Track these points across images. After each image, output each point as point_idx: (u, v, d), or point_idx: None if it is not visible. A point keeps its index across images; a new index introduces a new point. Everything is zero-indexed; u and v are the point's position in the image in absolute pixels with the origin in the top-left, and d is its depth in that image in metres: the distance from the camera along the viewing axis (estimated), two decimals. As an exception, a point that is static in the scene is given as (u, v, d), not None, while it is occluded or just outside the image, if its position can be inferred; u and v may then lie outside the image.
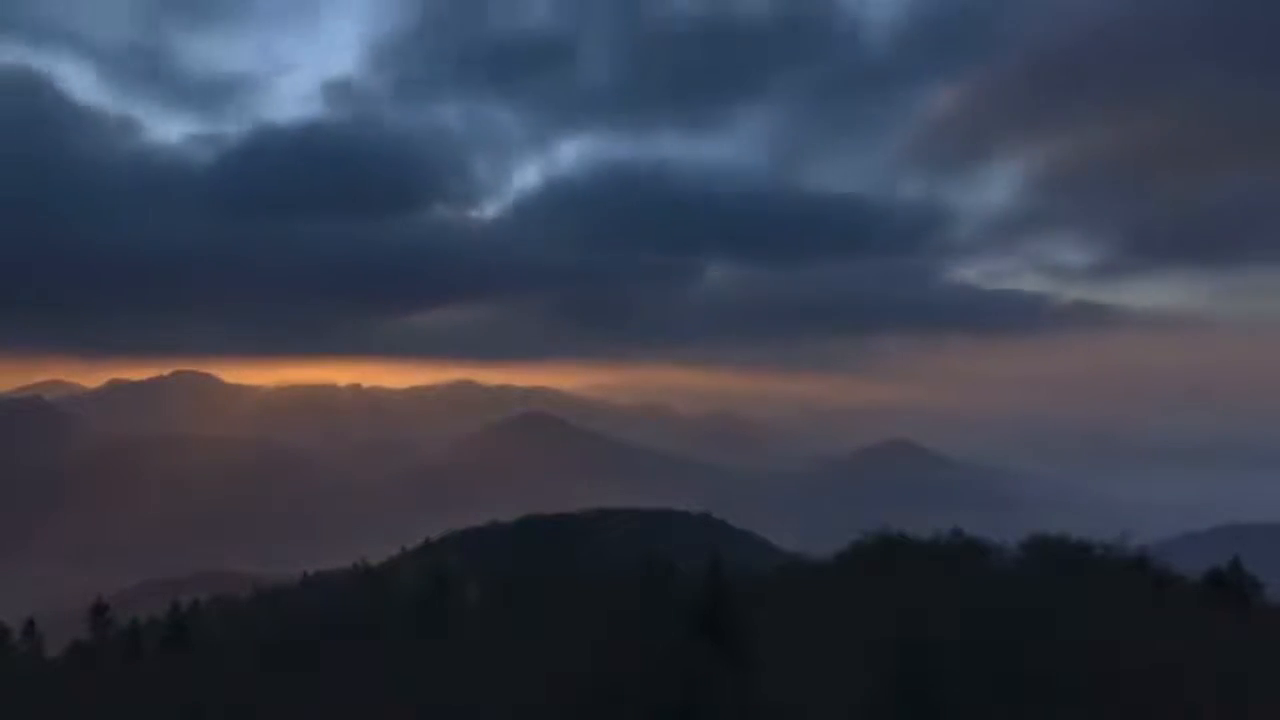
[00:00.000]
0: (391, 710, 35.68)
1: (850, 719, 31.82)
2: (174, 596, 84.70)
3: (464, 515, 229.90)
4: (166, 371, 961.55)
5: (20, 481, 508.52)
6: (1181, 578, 59.33)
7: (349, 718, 35.55)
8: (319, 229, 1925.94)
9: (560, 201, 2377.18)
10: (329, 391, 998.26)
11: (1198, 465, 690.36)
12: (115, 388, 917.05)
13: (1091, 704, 29.98)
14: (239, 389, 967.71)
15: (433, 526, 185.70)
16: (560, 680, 35.63)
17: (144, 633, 70.89)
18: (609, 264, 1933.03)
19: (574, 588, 60.40)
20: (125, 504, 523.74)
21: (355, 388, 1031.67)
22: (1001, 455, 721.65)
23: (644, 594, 50.46)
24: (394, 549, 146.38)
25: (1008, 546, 63.40)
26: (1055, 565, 54.79)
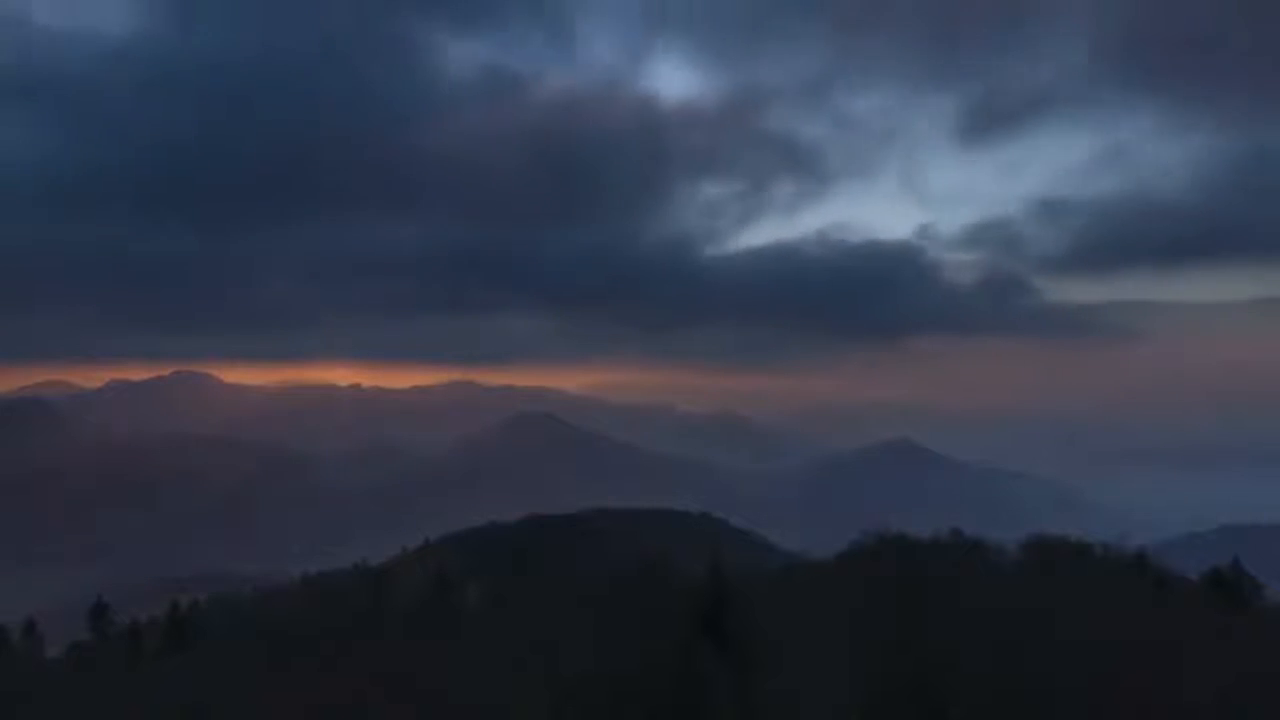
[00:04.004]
0: (392, 710, 35.68)
1: (850, 719, 31.82)
2: (174, 596, 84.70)
3: (464, 515, 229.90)
4: (166, 371, 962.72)
5: (20, 481, 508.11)
6: (1181, 578, 59.47)
7: (349, 718, 35.54)
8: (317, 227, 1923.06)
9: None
10: (329, 391, 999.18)
11: (1198, 466, 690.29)
12: (115, 388, 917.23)
13: (1091, 704, 29.97)
14: (239, 389, 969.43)
15: (433, 526, 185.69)
16: (561, 680, 35.63)
17: (144, 633, 70.93)
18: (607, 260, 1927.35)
19: (574, 588, 60.38)
20: (125, 504, 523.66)
21: (355, 388, 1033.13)
22: (1001, 456, 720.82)
23: (644, 594, 50.42)
24: (394, 549, 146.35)
25: (1008, 546, 63.55)
26: (1055, 565, 54.85)
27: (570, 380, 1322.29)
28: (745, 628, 38.82)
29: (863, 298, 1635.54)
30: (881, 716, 31.91)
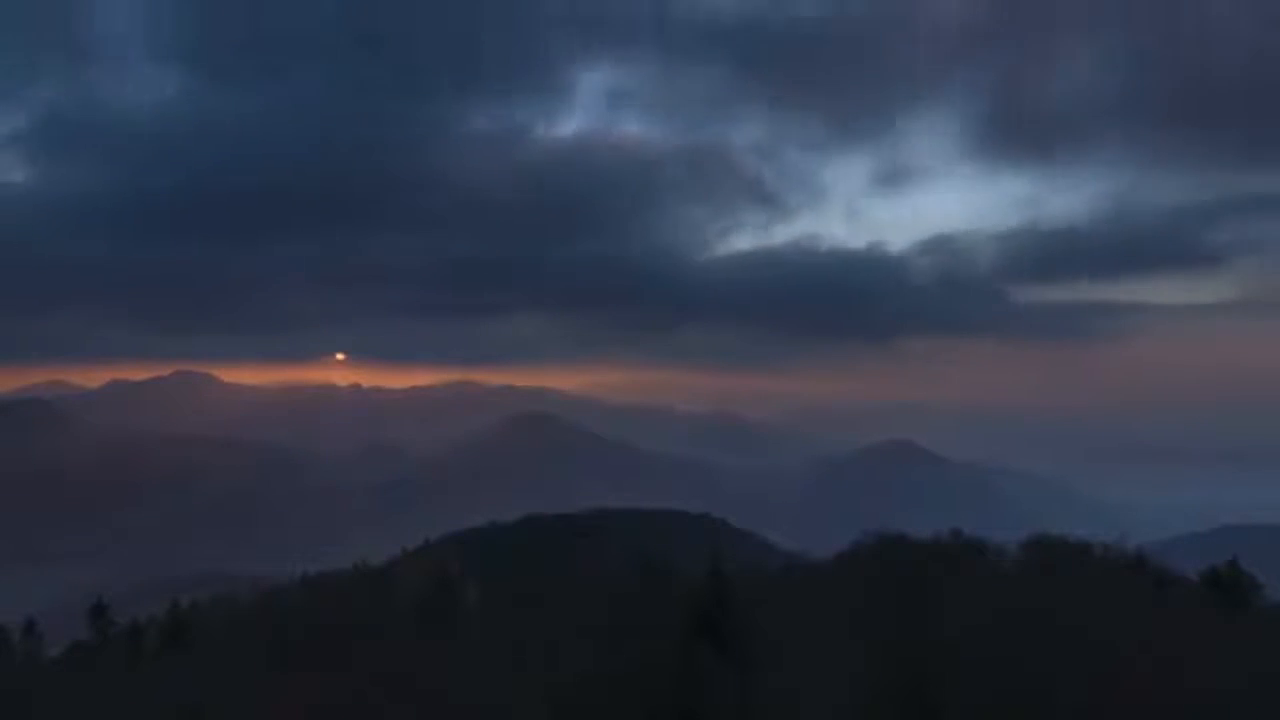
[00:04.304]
0: (392, 710, 35.68)
1: (850, 719, 31.82)
2: (174, 596, 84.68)
3: (464, 515, 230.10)
4: (166, 371, 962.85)
5: (20, 481, 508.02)
6: (1181, 578, 59.43)
7: (350, 718, 35.54)
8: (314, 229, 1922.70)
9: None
10: (329, 391, 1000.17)
11: (1199, 466, 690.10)
12: (115, 388, 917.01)
13: (1091, 704, 29.99)
14: (239, 389, 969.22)
15: (433, 526, 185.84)
16: (561, 680, 35.64)
17: (144, 633, 70.90)
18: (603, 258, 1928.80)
19: (574, 588, 60.42)
20: (125, 504, 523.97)
21: (355, 388, 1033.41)
22: (1001, 455, 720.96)
23: (644, 594, 50.44)
24: (394, 549, 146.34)
25: (1008, 546, 63.55)
26: (1055, 565, 54.84)
27: (570, 380, 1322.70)
28: (745, 628, 38.81)
29: (861, 300, 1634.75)
30: (881, 716, 31.94)
